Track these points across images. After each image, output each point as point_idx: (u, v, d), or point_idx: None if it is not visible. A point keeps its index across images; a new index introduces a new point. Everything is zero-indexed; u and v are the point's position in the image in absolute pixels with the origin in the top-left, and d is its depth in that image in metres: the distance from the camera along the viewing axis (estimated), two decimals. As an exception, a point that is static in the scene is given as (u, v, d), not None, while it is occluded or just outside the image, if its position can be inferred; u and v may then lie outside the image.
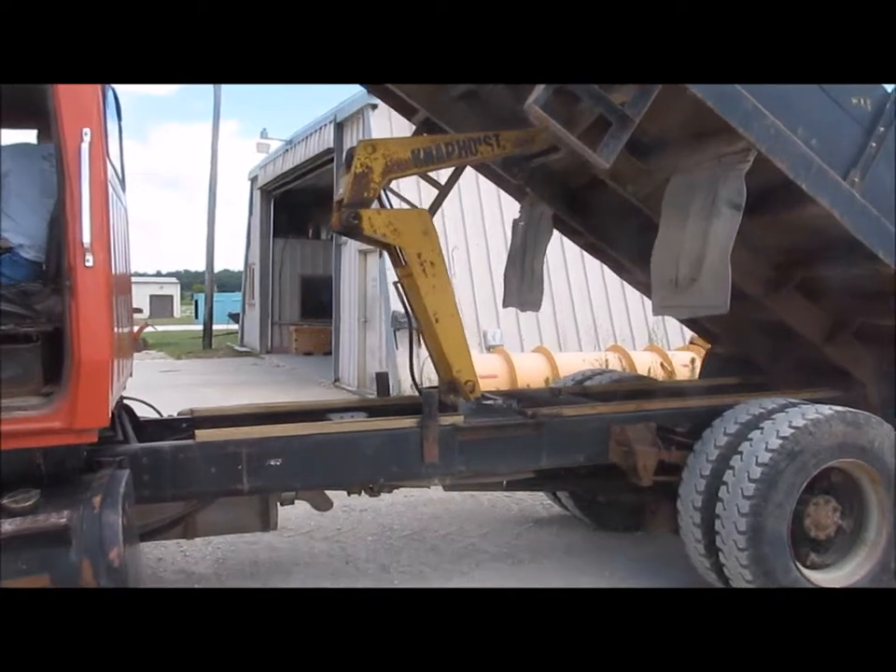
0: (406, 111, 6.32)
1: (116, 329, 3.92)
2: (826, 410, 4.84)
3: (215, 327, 28.05)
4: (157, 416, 5.22)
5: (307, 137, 18.30)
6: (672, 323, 15.25)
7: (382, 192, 4.90)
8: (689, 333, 15.09)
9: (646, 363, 12.77)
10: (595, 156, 4.07)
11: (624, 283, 15.36)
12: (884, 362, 5.67)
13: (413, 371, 5.55)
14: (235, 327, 30.37)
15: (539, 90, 3.90)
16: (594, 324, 14.82)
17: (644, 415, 5.19)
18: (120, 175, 4.93)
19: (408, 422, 4.74)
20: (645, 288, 7.10)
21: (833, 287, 5.37)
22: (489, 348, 13.65)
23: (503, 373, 12.09)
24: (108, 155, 3.93)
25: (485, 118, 5.55)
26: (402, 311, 14.02)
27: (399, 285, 5.28)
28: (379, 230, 4.72)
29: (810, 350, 6.04)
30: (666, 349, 13.83)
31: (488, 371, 12.07)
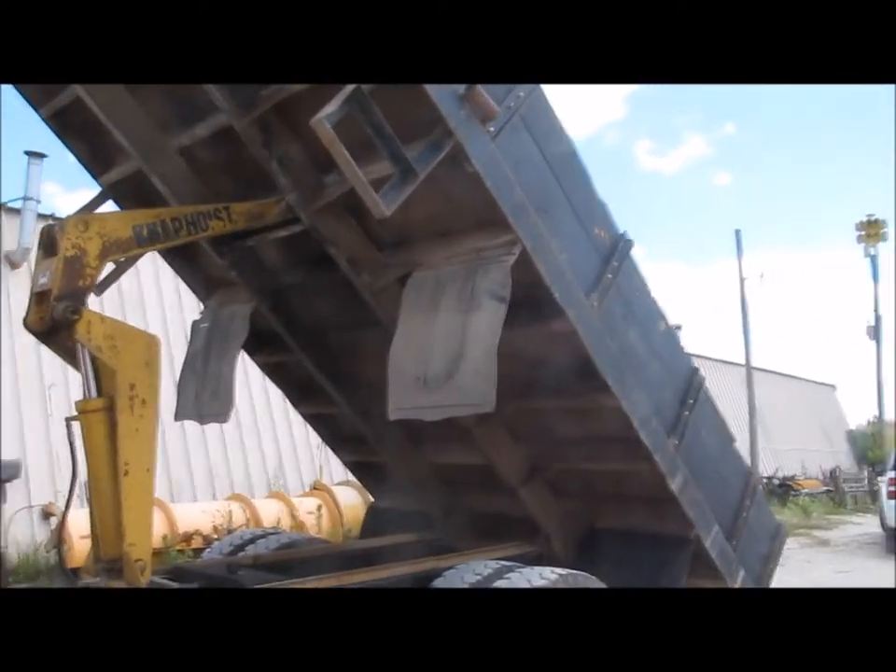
0: (100, 164, 5.45)
1: None
2: (549, 573, 4.48)
3: None
4: None
5: None
6: (291, 468, 14.69)
7: None
8: (309, 478, 14.65)
9: (272, 512, 12.09)
10: (377, 199, 3.64)
11: (242, 424, 14.88)
12: (570, 516, 5.59)
13: (61, 548, 4.29)
14: None
15: (333, 105, 3.46)
16: (210, 470, 13.73)
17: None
18: None
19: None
20: (325, 421, 6.68)
21: (538, 424, 5.27)
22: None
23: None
24: None
25: (206, 180, 5.02)
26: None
27: (70, 422, 4.18)
28: (95, 340, 4.00)
29: (488, 500, 5.83)
30: (289, 496, 13.17)
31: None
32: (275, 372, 6.60)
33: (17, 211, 12.63)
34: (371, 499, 7.48)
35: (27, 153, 12.58)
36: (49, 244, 4.09)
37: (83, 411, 4.11)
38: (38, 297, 4.09)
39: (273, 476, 14.20)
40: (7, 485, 11.46)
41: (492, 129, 3.99)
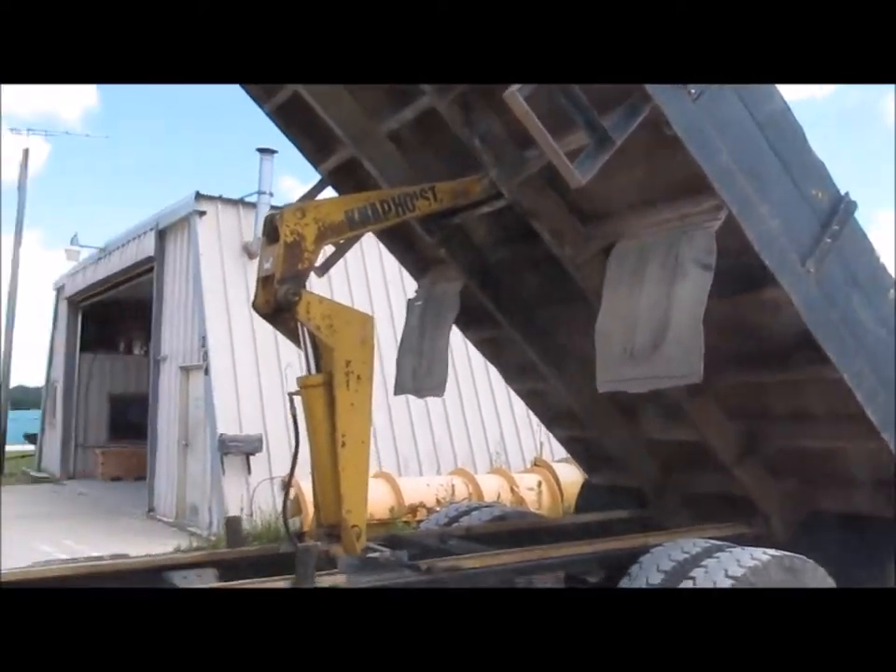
0: (319, 153, 5.70)
1: None
2: (761, 554, 4.29)
3: (8, 448, 25.35)
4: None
5: (124, 245, 17.05)
6: (513, 444, 14.87)
7: None
8: (530, 455, 14.78)
9: (493, 487, 12.22)
10: (572, 169, 3.64)
11: (464, 402, 15.25)
12: (789, 496, 5.33)
13: (286, 514, 4.59)
14: (32, 448, 27.63)
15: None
16: (434, 446, 14.15)
17: (552, 564, 4.50)
18: None
19: (278, 584, 3.79)
20: (538, 397, 6.68)
21: (759, 396, 5.03)
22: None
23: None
24: None
25: (410, 162, 5.13)
26: (230, 434, 12.82)
27: (292, 397, 4.42)
28: (314, 319, 4.21)
29: (703, 479, 5.65)
30: (510, 471, 13.33)
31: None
32: (488, 349, 6.69)
33: (253, 205, 13.54)
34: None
35: (259, 150, 13.45)
36: (271, 232, 4.32)
37: (304, 386, 4.34)
38: (263, 281, 4.33)
39: (494, 452, 14.42)
40: (252, 459, 12.48)
41: (693, 91, 3.85)
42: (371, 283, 14.13)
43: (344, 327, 4.24)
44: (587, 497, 6.89)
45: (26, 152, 26.23)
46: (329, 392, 4.22)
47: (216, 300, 13.15)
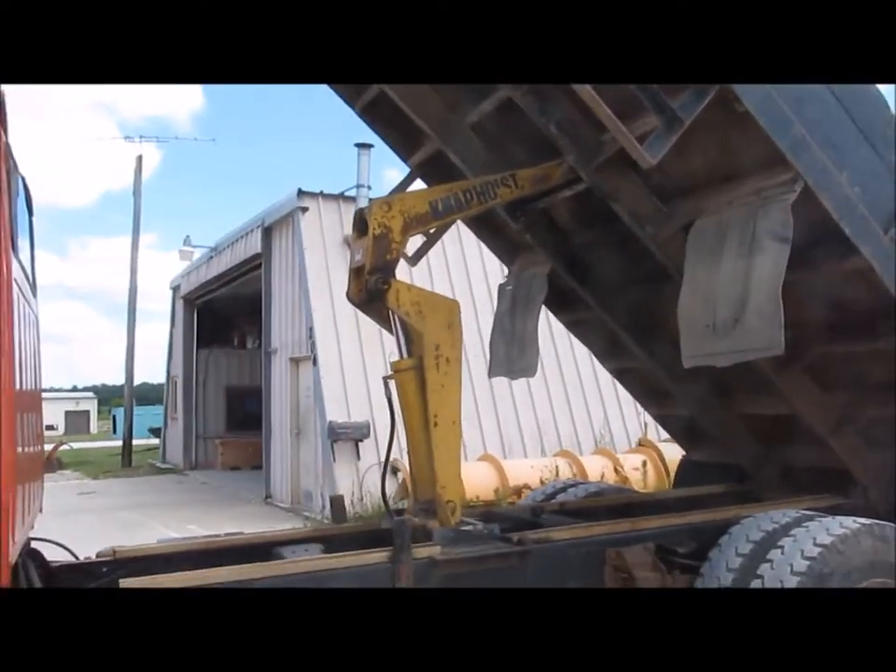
0: (407, 147, 5.95)
1: (21, 461, 3.19)
2: (850, 523, 4.33)
3: (135, 442, 26.68)
4: (72, 560, 4.39)
5: (233, 243, 17.72)
6: (617, 426, 14.86)
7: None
8: (635, 436, 14.74)
9: (597, 468, 12.29)
10: (641, 150, 3.80)
11: (568, 384, 15.31)
12: (888, 466, 5.26)
13: (384, 491, 4.85)
14: (156, 441, 28.99)
15: None
16: (538, 429, 14.28)
17: (641, 535, 4.61)
18: (31, 279, 4.24)
19: (376, 556, 4.04)
20: (631, 376, 6.76)
21: (843, 370, 5.05)
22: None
23: (450, 485, 11.39)
24: (16, 252, 3.27)
25: (493, 150, 5.31)
26: (339, 421, 13.21)
27: (387, 380, 4.70)
28: (403, 306, 4.45)
29: (800, 453, 5.64)
30: (614, 452, 13.36)
31: (434, 483, 11.38)
32: (579, 330, 6.82)
33: (353, 199, 13.91)
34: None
35: (357, 145, 13.79)
36: (360, 225, 4.56)
37: (397, 370, 4.59)
38: (355, 272, 4.58)
39: (598, 433, 14.45)
40: (360, 445, 12.88)
41: None
42: (469, 270, 14.32)
43: (432, 312, 4.45)
44: (685, 473, 6.93)
45: (139, 159, 27.50)
46: (419, 375, 4.43)
47: (321, 292, 13.57)
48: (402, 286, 4.47)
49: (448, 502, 4.35)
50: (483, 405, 13.69)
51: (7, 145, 3.49)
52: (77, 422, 61.46)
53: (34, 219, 4.60)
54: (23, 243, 3.97)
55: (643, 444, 13.50)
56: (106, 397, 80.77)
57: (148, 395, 53.41)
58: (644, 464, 12.54)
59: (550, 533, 4.51)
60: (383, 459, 13.06)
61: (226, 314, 23.53)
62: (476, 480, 11.35)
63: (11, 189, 3.44)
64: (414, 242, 5.64)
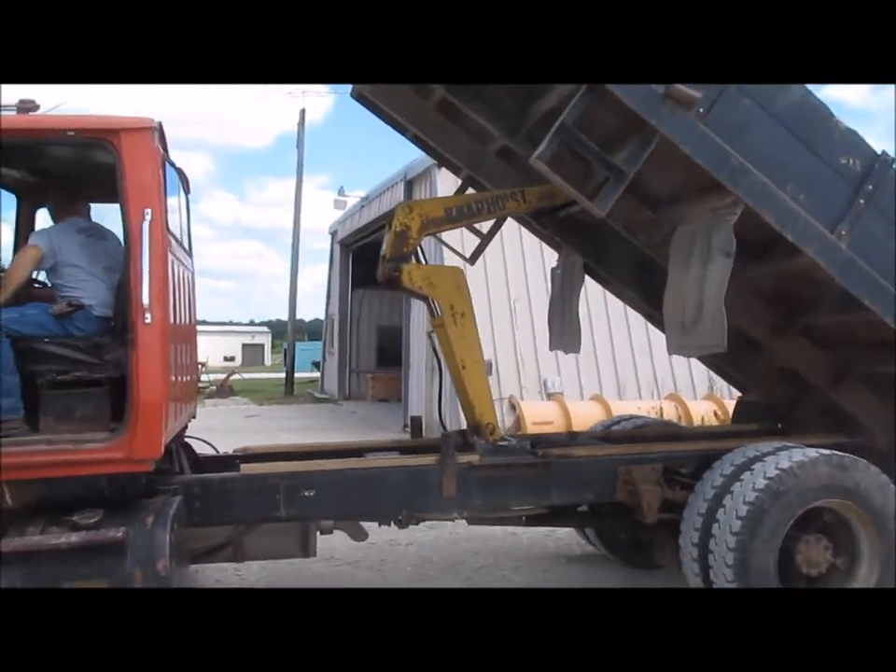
0: (454, 168, 6.96)
1: (173, 377, 4.61)
2: (812, 453, 5.21)
3: (300, 375, 29.08)
4: (213, 453, 5.90)
5: (381, 194, 19.21)
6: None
7: (419, 248, 5.60)
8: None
9: (702, 412, 13.04)
10: (591, 204, 4.45)
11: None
12: (890, 409, 5.91)
13: (441, 412, 6.09)
14: (318, 374, 31.41)
15: (543, 145, 4.30)
16: (653, 373, 15.10)
17: (649, 457, 5.60)
18: (186, 245, 5.64)
19: (429, 460, 5.29)
20: None
21: (832, 333, 5.73)
22: (549, 395, 14.09)
23: (559, 420, 12.53)
24: (169, 228, 4.63)
25: (520, 173, 6.04)
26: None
27: (431, 335, 5.84)
28: (416, 283, 5.38)
29: (824, 397, 6.37)
30: (727, 398, 14.00)
31: (544, 418, 12.55)
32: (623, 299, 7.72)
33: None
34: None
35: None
36: (390, 223, 5.58)
37: (434, 326, 5.73)
38: (381, 259, 5.63)
39: (711, 379, 15.08)
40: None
41: (701, 110, 4.36)
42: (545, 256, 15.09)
43: (441, 280, 5.45)
44: (741, 412, 7.65)
45: (303, 112, 29.44)
46: (445, 330, 5.51)
47: (451, 242, 14.73)
48: (411, 267, 5.38)
49: (487, 424, 5.52)
50: (601, 350, 14.66)
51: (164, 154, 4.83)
52: (252, 354, 66.02)
53: (189, 196, 5.97)
54: (177, 217, 5.29)
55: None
56: (280, 331, 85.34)
57: (319, 330, 56.37)
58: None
59: (571, 450, 5.64)
60: (504, 396, 14.07)
61: (377, 258, 24.91)
62: (583, 416, 12.38)
63: (167, 183, 4.75)
64: (472, 241, 6.89)
